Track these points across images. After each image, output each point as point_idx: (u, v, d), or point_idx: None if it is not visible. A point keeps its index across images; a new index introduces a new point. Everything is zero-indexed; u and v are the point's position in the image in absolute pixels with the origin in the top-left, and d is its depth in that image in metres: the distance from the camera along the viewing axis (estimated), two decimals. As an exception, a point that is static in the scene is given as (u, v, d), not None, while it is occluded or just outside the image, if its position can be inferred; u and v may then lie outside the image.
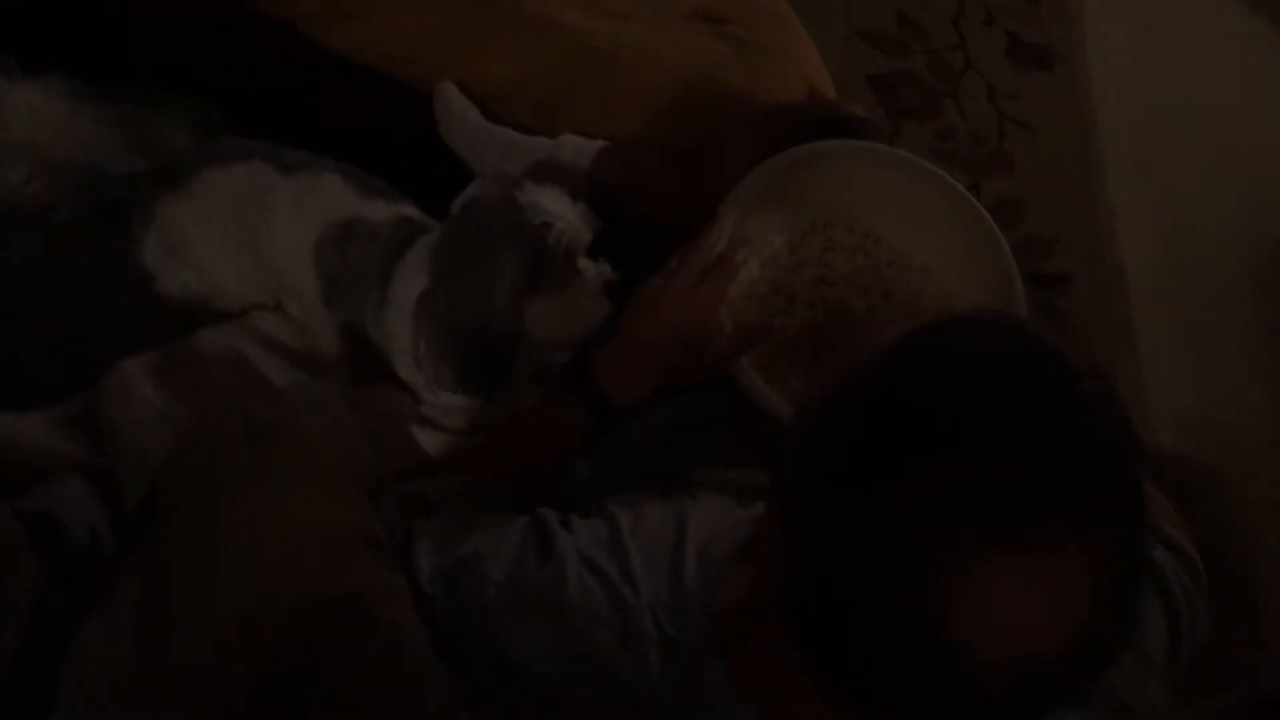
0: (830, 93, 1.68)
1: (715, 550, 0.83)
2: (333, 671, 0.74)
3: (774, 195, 1.12)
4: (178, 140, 1.22)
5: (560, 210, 1.08)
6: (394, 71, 1.51)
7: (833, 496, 0.61)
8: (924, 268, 1.18)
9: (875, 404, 0.62)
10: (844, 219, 1.18)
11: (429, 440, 1.09)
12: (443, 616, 0.82)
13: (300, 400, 1.06)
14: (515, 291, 1.07)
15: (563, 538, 0.85)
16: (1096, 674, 0.62)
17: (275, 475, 0.79)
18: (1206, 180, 2.31)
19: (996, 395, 0.58)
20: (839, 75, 2.32)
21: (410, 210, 1.18)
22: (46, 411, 1.04)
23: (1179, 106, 2.43)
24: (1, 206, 1.10)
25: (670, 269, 1.04)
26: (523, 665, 0.80)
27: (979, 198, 2.20)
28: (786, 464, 0.67)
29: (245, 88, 1.40)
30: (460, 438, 1.11)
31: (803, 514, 0.64)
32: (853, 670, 0.64)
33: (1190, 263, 2.18)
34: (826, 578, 0.63)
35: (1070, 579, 0.56)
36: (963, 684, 0.59)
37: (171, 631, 0.73)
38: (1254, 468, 1.82)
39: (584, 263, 1.10)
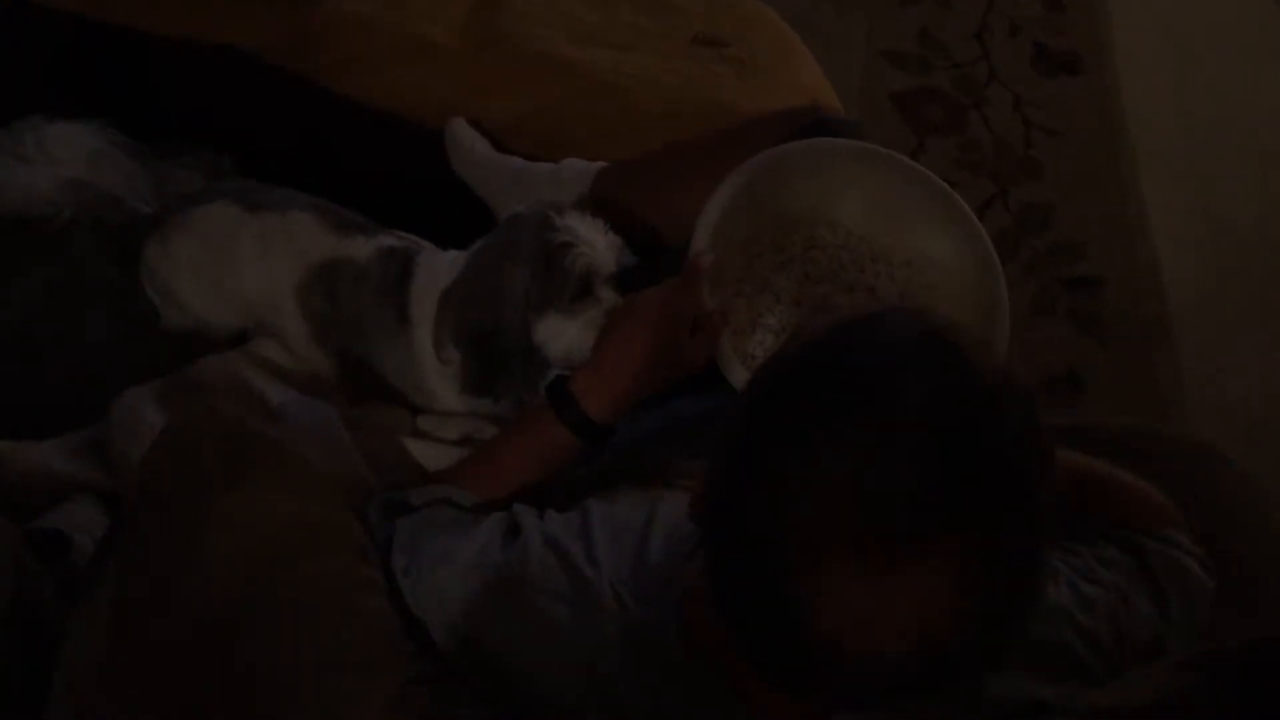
0: (836, 109, 1.70)
1: (683, 533, 0.84)
2: (299, 652, 0.77)
3: (755, 197, 1.13)
4: (190, 187, 1.30)
5: (589, 237, 1.11)
6: (405, 114, 1.57)
7: (729, 487, 0.64)
8: (907, 263, 1.18)
9: (767, 405, 0.64)
10: (826, 218, 1.19)
11: (423, 453, 1.13)
12: (412, 604, 0.85)
13: (297, 417, 1.10)
14: (528, 303, 1.10)
15: (530, 525, 0.88)
16: (959, 673, 0.62)
17: (248, 475, 0.83)
18: (1243, 176, 2.27)
19: (879, 401, 0.59)
20: (861, 96, 2.34)
21: (390, 240, 1.20)
22: (62, 439, 1.10)
23: (1212, 104, 2.39)
24: (29, 213, 1.18)
25: None
26: (484, 644, 0.82)
27: (1006, 205, 2.20)
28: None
29: (262, 136, 1.48)
30: (453, 448, 1.14)
31: (713, 496, 0.66)
32: (753, 647, 0.67)
33: (1229, 259, 2.13)
34: (725, 560, 0.66)
35: (931, 588, 0.57)
36: (829, 671, 0.61)
37: (146, 619, 0.77)
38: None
39: (605, 292, 1.12)
